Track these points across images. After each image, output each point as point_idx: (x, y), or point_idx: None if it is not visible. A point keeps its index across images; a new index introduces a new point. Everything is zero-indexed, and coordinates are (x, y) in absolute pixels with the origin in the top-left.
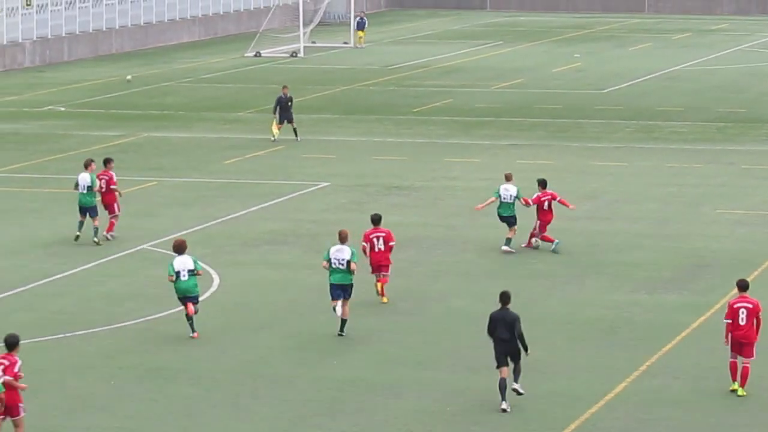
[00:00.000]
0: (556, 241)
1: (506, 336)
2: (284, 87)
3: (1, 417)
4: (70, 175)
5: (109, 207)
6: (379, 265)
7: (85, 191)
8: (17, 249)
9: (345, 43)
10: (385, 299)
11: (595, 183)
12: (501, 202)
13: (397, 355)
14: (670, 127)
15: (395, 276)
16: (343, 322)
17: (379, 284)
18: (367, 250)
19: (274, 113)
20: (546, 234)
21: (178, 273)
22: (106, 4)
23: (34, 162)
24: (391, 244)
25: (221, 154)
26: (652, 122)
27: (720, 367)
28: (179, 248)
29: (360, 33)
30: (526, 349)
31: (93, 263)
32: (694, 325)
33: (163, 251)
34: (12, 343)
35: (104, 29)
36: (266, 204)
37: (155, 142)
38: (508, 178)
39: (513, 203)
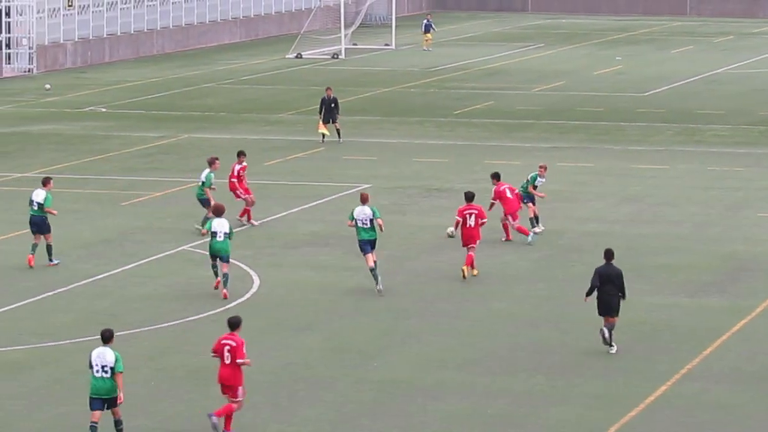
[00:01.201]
0: (532, 234)
1: (611, 290)
2: (328, 89)
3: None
4: (112, 176)
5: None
6: (470, 240)
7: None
8: (59, 249)
9: (386, 44)
10: (475, 272)
11: (637, 186)
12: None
13: (438, 357)
14: (711, 131)
15: (436, 278)
16: (375, 276)
17: (467, 260)
18: (459, 225)
19: (320, 114)
20: (521, 225)
21: (215, 233)
22: (147, 6)
23: (76, 162)
24: (482, 221)
25: (262, 155)
26: (693, 125)
27: (760, 371)
28: (219, 211)
29: (427, 36)
30: (624, 296)
31: (133, 264)
32: (734, 329)
33: (204, 252)
34: (235, 324)
35: (145, 30)
36: (307, 205)
37: (196, 144)
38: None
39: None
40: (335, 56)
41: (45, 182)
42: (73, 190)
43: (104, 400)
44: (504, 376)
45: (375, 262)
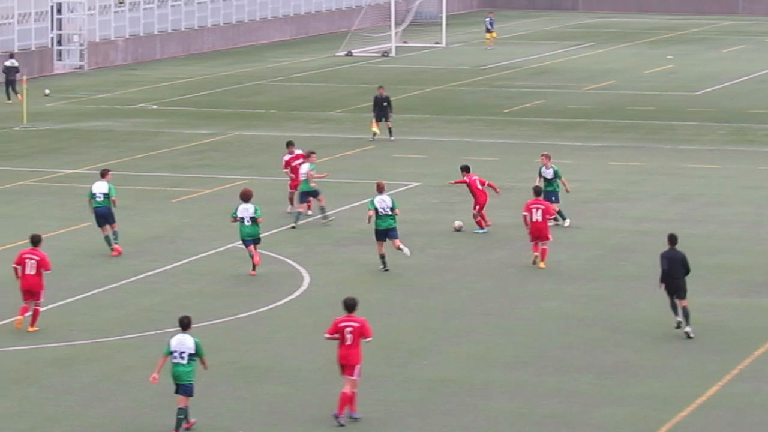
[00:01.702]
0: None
1: (676, 273)
2: (380, 87)
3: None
4: (162, 173)
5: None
6: (538, 234)
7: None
8: (104, 247)
9: (437, 43)
10: (542, 264)
11: (688, 185)
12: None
13: (487, 356)
14: (763, 130)
15: (485, 277)
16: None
17: (541, 254)
18: (528, 220)
19: (373, 112)
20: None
21: (242, 219)
22: (198, 3)
23: (126, 159)
24: (548, 216)
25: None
26: (745, 125)
27: None
28: (246, 196)
29: (490, 34)
30: (688, 272)
31: (183, 261)
32: None
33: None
34: (352, 305)
35: (196, 27)
36: (357, 203)
37: (246, 141)
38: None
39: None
40: (385, 54)
41: (104, 173)
42: (123, 187)
43: (181, 385)
44: (555, 375)
45: (400, 247)
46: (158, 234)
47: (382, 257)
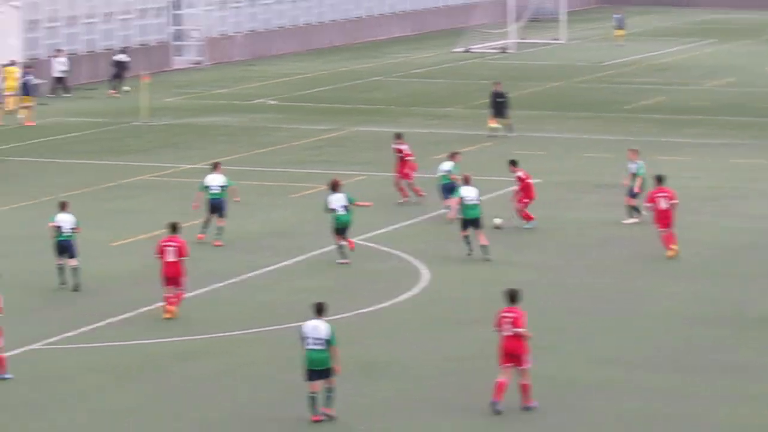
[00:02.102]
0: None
1: None
2: (496, 83)
3: (510, 365)
4: (280, 168)
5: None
6: (665, 221)
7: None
8: (227, 241)
9: (555, 39)
10: (670, 253)
11: None
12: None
13: (609, 355)
14: None
15: (602, 275)
16: (485, 247)
17: (667, 240)
18: (652, 209)
19: (490, 108)
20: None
21: (334, 209)
22: None
23: (244, 155)
24: (673, 202)
25: (430, 149)
26: None
27: None
28: (335, 186)
29: (619, 31)
30: None
31: (302, 256)
32: None
33: (373, 245)
34: (514, 296)
35: (315, 23)
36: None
37: (364, 137)
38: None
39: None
40: (503, 50)
41: (216, 166)
42: (241, 182)
43: (319, 371)
44: (676, 374)
45: (483, 242)
46: (277, 229)
47: (466, 237)
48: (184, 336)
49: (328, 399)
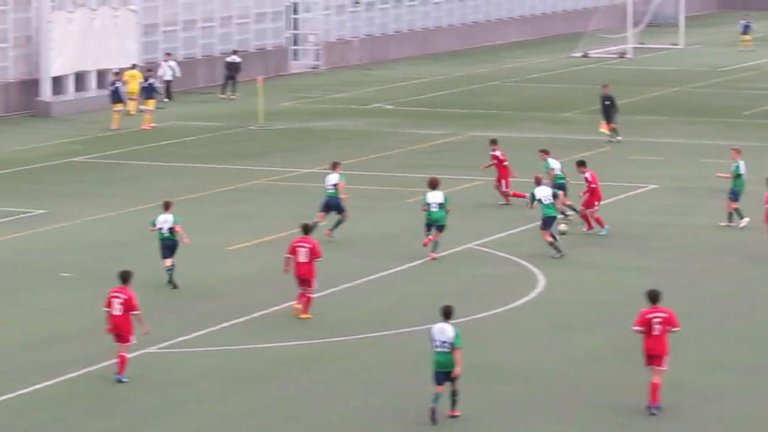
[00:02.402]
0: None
1: None
2: (604, 86)
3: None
4: (396, 173)
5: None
6: None
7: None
8: (344, 245)
9: (674, 44)
10: None
11: None
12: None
13: (721, 360)
14: None
15: (720, 279)
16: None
17: None
18: None
19: (601, 113)
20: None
21: (429, 204)
22: (433, 3)
23: (360, 159)
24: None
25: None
26: None
27: None
28: (433, 184)
29: (745, 37)
30: None
31: (418, 261)
32: None
33: (489, 250)
34: (655, 296)
35: (431, 28)
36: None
37: (481, 141)
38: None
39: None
40: (622, 55)
41: (334, 166)
42: (357, 187)
43: (446, 373)
44: None
45: (552, 235)
46: (393, 233)
47: (551, 244)
48: (299, 340)
49: (454, 402)
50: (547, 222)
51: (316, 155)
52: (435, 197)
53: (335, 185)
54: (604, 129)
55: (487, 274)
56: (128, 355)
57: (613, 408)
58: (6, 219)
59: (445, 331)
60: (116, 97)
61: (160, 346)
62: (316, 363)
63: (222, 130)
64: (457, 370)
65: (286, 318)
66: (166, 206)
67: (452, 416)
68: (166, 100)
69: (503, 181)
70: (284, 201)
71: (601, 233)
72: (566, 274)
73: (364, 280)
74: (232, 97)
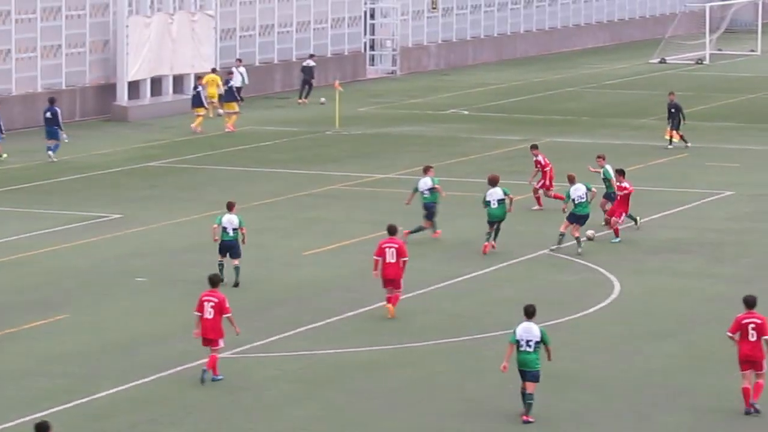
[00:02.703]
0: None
1: None
2: (671, 93)
3: (749, 371)
4: (472, 178)
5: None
6: None
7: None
8: (419, 251)
9: (752, 50)
10: None
11: None
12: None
13: None
14: None
15: None
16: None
17: None
18: None
19: (668, 120)
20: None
21: (488, 202)
22: (510, 9)
23: (437, 165)
24: None
25: (623, 161)
26: None
27: None
28: (492, 181)
29: None
30: None
31: (494, 267)
32: None
33: (565, 257)
34: (752, 302)
35: (509, 33)
36: (669, 212)
37: (557, 147)
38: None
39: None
40: (699, 62)
41: (426, 170)
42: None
43: (529, 372)
44: None
45: (580, 235)
46: (469, 239)
47: (578, 240)
48: (372, 346)
49: (529, 406)
50: (579, 218)
51: (393, 161)
52: (494, 194)
53: (431, 189)
54: (669, 136)
55: (563, 280)
56: (200, 362)
57: (692, 416)
58: (82, 223)
59: (531, 330)
60: (198, 101)
61: (234, 351)
62: (386, 369)
63: (298, 135)
64: (549, 359)
65: (359, 323)
66: (230, 207)
67: (523, 417)
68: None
69: (544, 186)
70: (360, 206)
71: (614, 241)
72: (642, 280)
73: (438, 286)
74: (305, 101)
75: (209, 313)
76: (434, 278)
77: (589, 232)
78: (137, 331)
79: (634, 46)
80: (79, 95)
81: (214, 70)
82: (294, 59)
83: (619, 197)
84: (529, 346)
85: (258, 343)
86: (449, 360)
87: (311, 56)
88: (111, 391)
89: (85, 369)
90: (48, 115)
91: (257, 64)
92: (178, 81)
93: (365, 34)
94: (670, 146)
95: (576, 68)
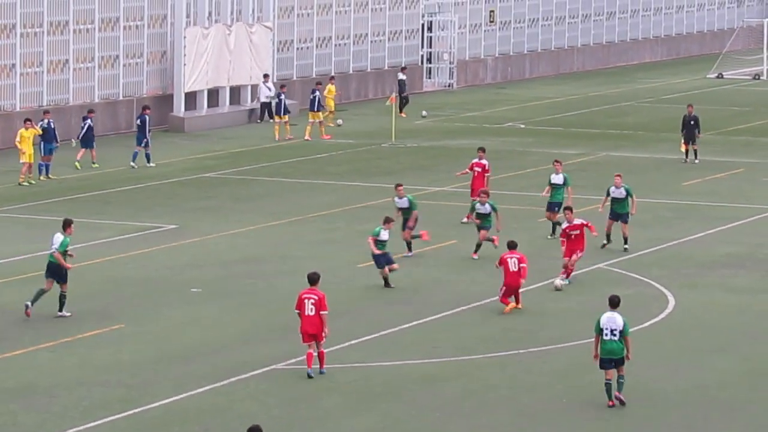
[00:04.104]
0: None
1: None
2: (689, 105)
3: None
4: (529, 192)
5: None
6: None
7: None
8: (476, 263)
9: None
10: None
11: None
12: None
13: None
14: None
15: None
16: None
17: None
18: None
19: (682, 133)
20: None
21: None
22: (568, 23)
23: (493, 178)
24: None
25: (680, 175)
26: None
27: None
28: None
29: None
30: None
31: (548, 281)
32: None
33: (620, 271)
34: None
35: (566, 48)
36: (724, 227)
37: (614, 162)
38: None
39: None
40: (756, 77)
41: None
42: None
43: (614, 360)
44: None
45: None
46: (524, 253)
47: (608, 235)
48: (426, 358)
49: (621, 385)
50: (614, 215)
51: (449, 174)
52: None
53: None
54: (685, 149)
55: (618, 294)
56: (258, 372)
57: (746, 429)
58: (137, 233)
59: (615, 319)
60: (281, 108)
61: (288, 362)
62: (440, 381)
63: (354, 148)
64: (629, 356)
65: (413, 336)
66: (387, 221)
67: (618, 398)
68: (271, 120)
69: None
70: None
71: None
72: (696, 295)
73: (493, 298)
74: (403, 115)
75: (310, 310)
76: (488, 291)
77: (558, 282)
78: (192, 342)
79: (691, 61)
80: (136, 106)
81: (332, 79)
82: (351, 71)
83: (573, 237)
84: (614, 335)
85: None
86: (503, 373)
87: (403, 69)
88: (166, 401)
89: (141, 379)
90: (138, 122)
91: (314, 76)
92: (235, 92)
93: (422, 47)
94: (696, 160)
95: (633, 83)
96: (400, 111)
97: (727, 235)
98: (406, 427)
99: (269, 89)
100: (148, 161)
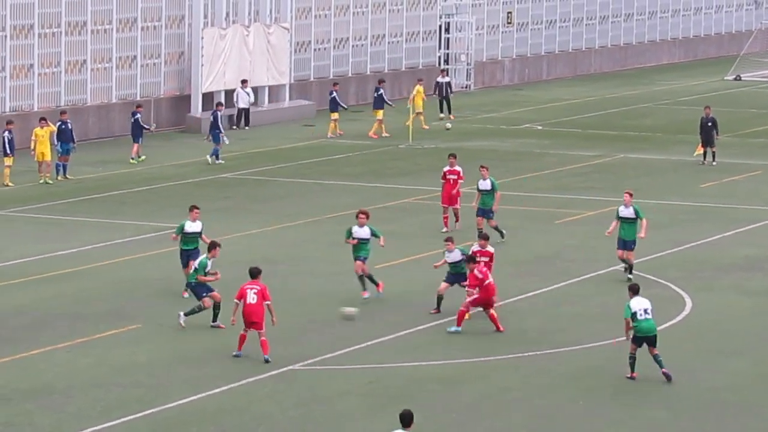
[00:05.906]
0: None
1: None
2: (707, 107)
3: None
4: (546, 193)
5: None
6: None
7: None
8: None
9: None
10: None
11: None
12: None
13: None
14: None
15: None
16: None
17: None
18: None
19: (700, 135)
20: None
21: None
22: (586, 25)
23: (511, 179)
24: None
25: (698, 177)
26: None
27: None
28: None
29: None
30: None
31: (565, 282)
32: None
33: (637, 273)
34: None
35: (583, 49)
36: (742, 229)
37: (631, 164)
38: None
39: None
40: None
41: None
42: (507, 207)
43: (647, 338)
44: None
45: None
46: (541, 254)
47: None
48: (442, 360)
49: (660, 362)
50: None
51: (465, 175)
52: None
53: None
54: (699, 151)
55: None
56: (274, 372)
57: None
58: (153, 234)
59: (642, 301)
60: (333, 105)
61: (304, 363)
62: (456, 383)
63: (371, 149)
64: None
65: (430, 337)
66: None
67: (665, 374)
68: (247, 128)
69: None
70: (432, 220)
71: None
72: (713, 297)
73: (512, 300)
74: (443, 116)
75: (252, 298)
76: (504, 293)
77: (348, 310)
78: (208, 342)
79: (709, 63)
80: (153, 106)
81: (420, 80)
82: (368, 72)
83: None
84: (648, 313)
85: (328, 355)
86: (520, 375)
87: (442, 72)
88: (182, 401)
89: (157, 379)
90: (211, 119)
91: (331, 77)
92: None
93: (440, 48)
94: (714, 162)
95: (650, 84)
96: (449, 113)
97: (744, 237)
98: (422, 429)
99: (248, 94)
100: (217, 158)
